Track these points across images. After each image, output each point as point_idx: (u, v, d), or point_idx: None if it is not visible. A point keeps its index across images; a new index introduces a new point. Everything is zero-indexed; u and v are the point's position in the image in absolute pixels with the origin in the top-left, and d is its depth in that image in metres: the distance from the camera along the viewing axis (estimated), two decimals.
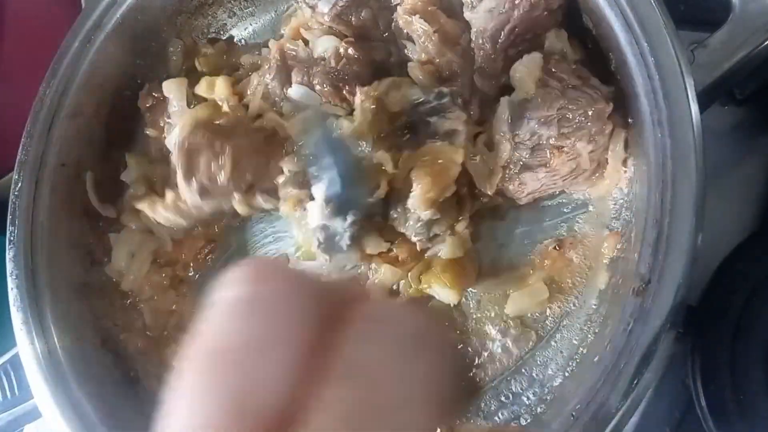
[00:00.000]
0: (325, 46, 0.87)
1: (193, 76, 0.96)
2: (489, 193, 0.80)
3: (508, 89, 0.79)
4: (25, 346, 0.84)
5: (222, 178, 0.81)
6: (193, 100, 0.93)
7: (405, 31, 0.83)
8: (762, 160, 0.97)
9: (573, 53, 0.78)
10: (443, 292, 0.81)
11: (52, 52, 0.93)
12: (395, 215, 0.78)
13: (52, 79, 0.92)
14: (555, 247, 0.82)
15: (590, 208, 0.83)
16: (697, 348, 0.80)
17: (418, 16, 0.80)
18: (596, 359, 0.72)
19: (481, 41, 0.79)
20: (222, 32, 1.05)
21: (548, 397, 0.78)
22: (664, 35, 0.71)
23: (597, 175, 0.79)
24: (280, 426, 0.29)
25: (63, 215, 0.92)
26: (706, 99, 0.73)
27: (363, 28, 0.87)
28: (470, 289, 0.84)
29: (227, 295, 0.32)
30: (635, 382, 0.66)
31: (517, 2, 0.76)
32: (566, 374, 0.78)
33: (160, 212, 0.88)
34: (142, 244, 0.94)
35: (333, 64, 0.84)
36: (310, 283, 0.34)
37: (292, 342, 0.31)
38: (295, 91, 0.86)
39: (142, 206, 0.89)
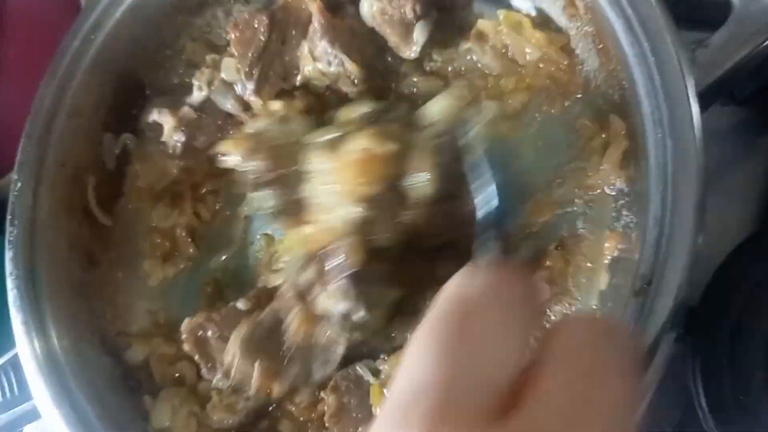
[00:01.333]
0: None
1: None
2: None
3: None
4: (25, 347, 0.84)
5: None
6: None
7: None
8: (762, 160, 0.97)
9: None
10: None
11: (52, 52, 0.93)
12: None
13: (52, 79, 0.92)
14: (556, 247, 0.82)
15: (591, 208, 0.83)
16: (698, 348, 0.80)
17: None
18: None
19: None
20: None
21: None
22: (665, 35, 0.71)
23: None
24: (500, 408, 0.32)
25: (63, 215, 0.92)
26: (706, 99, 0.73)
27: None
28: None
29: (474, 287, 0.36)
30: None
31: None
32: None
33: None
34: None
35: None
36: (536, 288, 0.38)
37: (524, 335, 0.35)
38: None
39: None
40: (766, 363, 0.74)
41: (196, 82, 0.95)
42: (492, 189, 0.60)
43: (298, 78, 0.91)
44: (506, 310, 0.35)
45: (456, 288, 0.36)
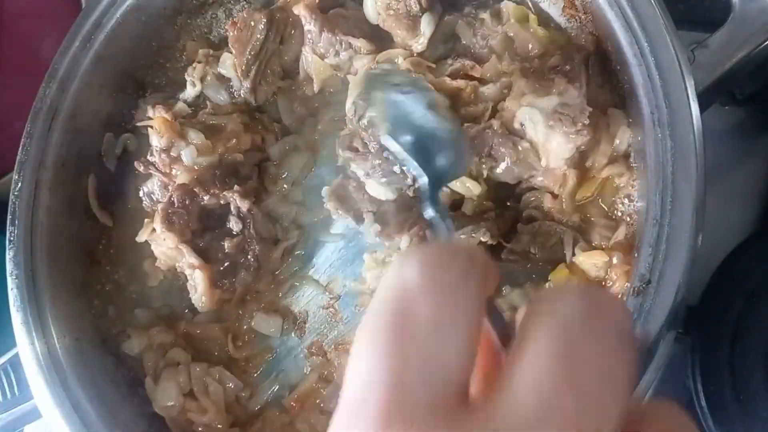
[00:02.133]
0: None
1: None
2: None
3: None
4: (25, 346, 0.84)
5: None
6: None
7: None
8: (762, 160, 0.97)
9: None
10: None
11: (52, 52, 0.93)
12: None
13: (52, 79, 0.92)
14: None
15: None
16: (697, 348, 0.80)
17: None
18: None
19: None
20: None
21: None
22: (664, 35, 0.71)
23: None
24: (461, 399, 0.30)
25: (63, 215, 0.92)
26: (706, 99, 0.73)
27: None
28: None
29: (409, 274, 0.33)
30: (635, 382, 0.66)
31: None
32: None
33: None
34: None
35: None
36: (481, 263, 0.34)
37: (471, 322, 0.32)
38: None
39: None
40: (766, 363, 0.74)
41: (188, 78, 0.95)
42: (417, 167, 0.60)
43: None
44: (446, 295, 0.32)
45: (392, 279, 0.33)
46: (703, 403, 0.78)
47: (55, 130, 0.91)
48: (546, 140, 0.74)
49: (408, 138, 0.61)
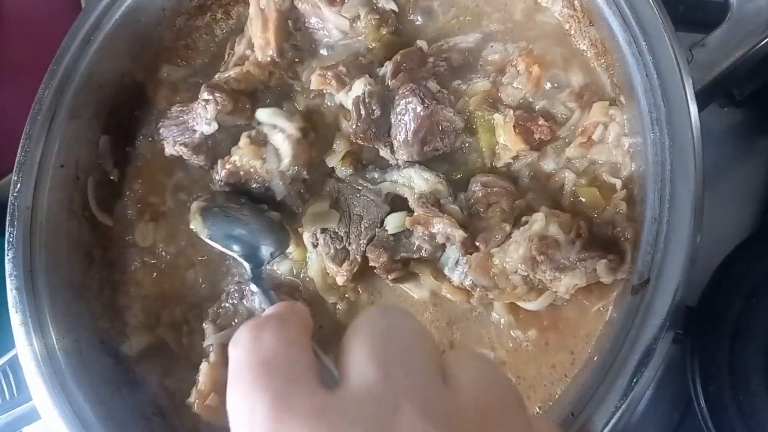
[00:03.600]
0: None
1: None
2: None
3: None
4: (24, 347, 0.84)
5: None
6: None
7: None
8: (761, 161, 0.97)
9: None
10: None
11: (51, 52, 0.93)
12: None
13: (51, 79, 0.92)
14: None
15: None
16: (697, 348, 0.80)
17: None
18: (596, 358, 0.73)
19: None
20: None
21: None
22: (663, 34, 0.71)
23: None
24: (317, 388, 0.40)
25: (62, 216, 0.92)
26: (704, 98, 0.73)
27: None
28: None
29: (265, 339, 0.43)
30: (634, 381, 0.66)
31: None
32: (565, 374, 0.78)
33: None
34: None
35: None
36: (301, 312, 0.49)
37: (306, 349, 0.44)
38: None
39: None
40: (765, 363, 0.74)
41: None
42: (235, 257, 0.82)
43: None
44: (289, 343, 0.44)
45: (244, 349, 0.44)
46: (703, 403, 0.78)
47: (54, 131, 0.91)
48: None
49: (223, 234, 0.83)
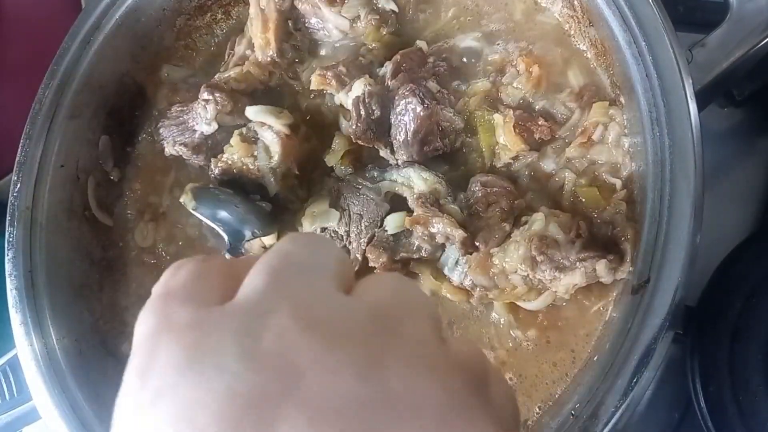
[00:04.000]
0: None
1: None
2: None
3: None
4: (24, 348, 0.84)
5: None
6: None
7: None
8: (761, 161, 0.97)
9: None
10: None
11: (51, 52, 0.93)
12: None
13: (51, 79, 0.92)
14: None
15: None
16: (697, 348, 0.80)
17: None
18: (596, 358, 0.73)
19: None
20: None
21: None
22: (662, 34, 0.71)
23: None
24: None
25: (62, 216, 0.92)
26: (704, 98, 0.73)
27: None
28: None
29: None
30: (634, 380, 0.66)
31: None
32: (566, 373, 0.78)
33: None
34: None
35: None
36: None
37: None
38: None
39: None
40: (765, 364, 0.74)
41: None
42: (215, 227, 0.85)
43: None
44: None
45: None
46: (703, 403, 0.78)
47: (54, 131, 0.91)
48: None
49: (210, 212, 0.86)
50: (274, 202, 0.88)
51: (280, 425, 0.30)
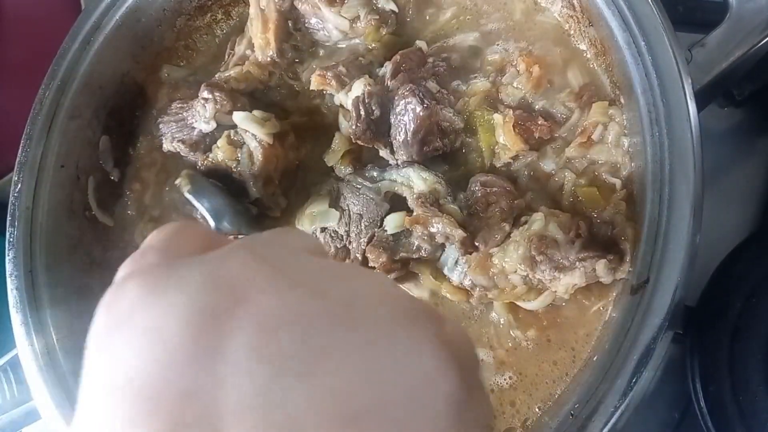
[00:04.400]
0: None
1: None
2: None
3: None
4: (25, 348, 0.84)
5: None
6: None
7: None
8: (761, 161, 0.98)
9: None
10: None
11: (52, 52, 0.93)
12: None
13: (52, 80, 0.92)
14: None
15: None
16: (697, 348, 0.80)
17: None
18: (595, 358, 0.73)
19: None
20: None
21: None
22: (662, 34, 0.71)
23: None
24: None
25: (62, 216, 0.92)
26: (703, 98, 0.73)
27: None
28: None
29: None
30: (634, 380, 0.66)
31: None
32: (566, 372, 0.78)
33: None
34: None
35: None
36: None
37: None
38: None
39: None
40: (765, 364, 0.74)
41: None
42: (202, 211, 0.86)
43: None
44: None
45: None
46: (703, 403, 0.78)
47: (54, 131, 0.92)
48: None
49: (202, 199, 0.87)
50: (258, 206, 0.90)
51: (235, 333, 0.34)
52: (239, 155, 0.88)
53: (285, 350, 0.33)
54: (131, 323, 0.36)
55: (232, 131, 0.89)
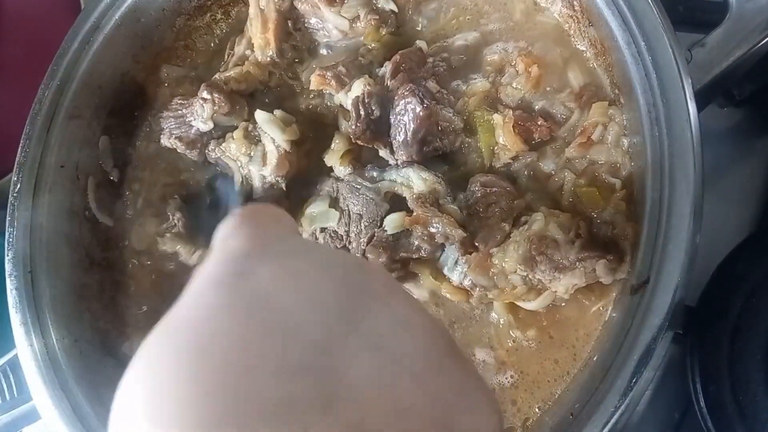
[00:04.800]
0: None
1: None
2: None
3: None
4: (24, 347, 0.84)
5: None
6: None
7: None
8: (760, 161, 0.98)
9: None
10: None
11: (51, 52, 0.93)
12: None
13: (51, 80, 0.92)
14: None
15: None
16: (697, 348, 0.80)
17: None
18: (595, 358, 0.73)
19: None
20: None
21: None
22: (662, 34, 0.71)
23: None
24: None
25: (62, 216, 0.92)
26: (703, 98, 0.73)
27: None
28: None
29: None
30: (634, 380, 0.66)
31: None
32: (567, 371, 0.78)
33: None
34: None
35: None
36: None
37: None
38: None
39: None
40: (765, 364, 0.74)
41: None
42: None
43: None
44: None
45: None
46: (703, 403, 0.78)
47: (54, 131, 0.92)
48: None
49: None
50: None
51: (368, 319, 0.37)
52: (252, 152, 0.88)
53: (404, 349, 0.37)
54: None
55: (251, 125, 0.89)
